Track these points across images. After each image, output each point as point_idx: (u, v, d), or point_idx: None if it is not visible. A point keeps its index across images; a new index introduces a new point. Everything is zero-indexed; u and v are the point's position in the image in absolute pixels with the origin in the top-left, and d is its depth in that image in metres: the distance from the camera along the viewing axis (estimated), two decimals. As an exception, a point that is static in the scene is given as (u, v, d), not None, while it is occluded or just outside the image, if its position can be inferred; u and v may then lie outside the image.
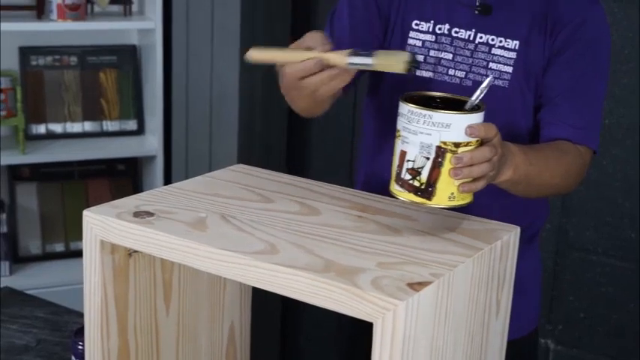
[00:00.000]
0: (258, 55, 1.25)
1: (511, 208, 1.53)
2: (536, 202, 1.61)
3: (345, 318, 1.01)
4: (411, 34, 1.56)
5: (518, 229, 1.22)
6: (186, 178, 1.39)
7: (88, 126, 3.04)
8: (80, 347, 1.46)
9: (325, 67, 1.24)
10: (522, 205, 1.58)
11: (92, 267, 1.20)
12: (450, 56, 1.53)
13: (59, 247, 3.04)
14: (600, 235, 2.39)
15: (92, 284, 1.21)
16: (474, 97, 1.18)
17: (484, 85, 1.18)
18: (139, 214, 1.18)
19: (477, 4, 1.52)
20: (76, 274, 1.23)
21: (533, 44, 1.50)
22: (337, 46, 1.54)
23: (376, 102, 1.65)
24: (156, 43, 2.87)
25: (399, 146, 1.18)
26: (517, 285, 1.62)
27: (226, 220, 1.19)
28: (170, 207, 1.23)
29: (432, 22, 1.54)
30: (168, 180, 2.97)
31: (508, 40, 1.50)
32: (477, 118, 1.16)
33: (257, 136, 2.88)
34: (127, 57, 3.08)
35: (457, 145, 1.14)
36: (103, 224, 1.17)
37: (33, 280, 2.85)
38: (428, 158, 1.15)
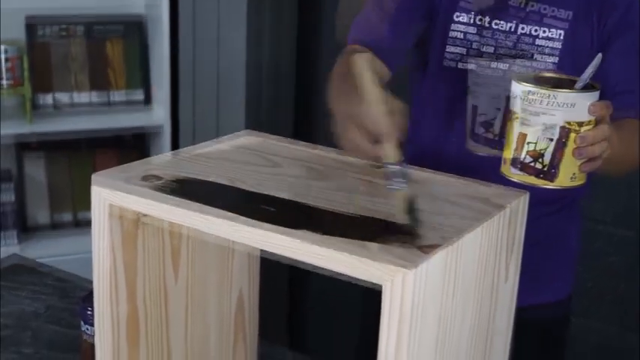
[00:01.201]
0: (363, 67, 1.14)
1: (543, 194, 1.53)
2: None
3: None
4: (453, 26, 1.54)
5: (527, 194, 1.21)
6: (194, 148, 1.39)
7: (94, 96, 3.04)
8: (89, 312, 1.46)
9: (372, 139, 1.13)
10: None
11: (101, 232, 1.20)
12: (491, 49, 1.51)
13: (67, 217, 3.05)
14: (608, 205, 2.39)
15: (101, 249, 1.21)
16: (585, 76, 1.17)
17: (594, 62, 1.17)
18: (148, 178, 1.18)
19: None
20: (84, 244, 1.23)
21: (579, 33, 1.47)
22: (377, 24, 1.56)
23: (422, 86, 1.65)
24: (162, 13, 2.87)
25: (516, 128, 1.16)
26: (557, 247, 1.63)
27: (234, 183, 1.18)
28: (178, 171, 1.22)
29: (472, 13, 1.52)
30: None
31: (552, 30, 1.48)
32: (596, 96, 1.15)
33: (264, 106, 2.87)
34: (134, 27, 3.07)
35: (580, 124, 1.13)
36: (111, 188, 1.17)
37: (41, 249, 2.87)
38: (551, 139, 1.13)
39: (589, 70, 1.16)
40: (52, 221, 3.03)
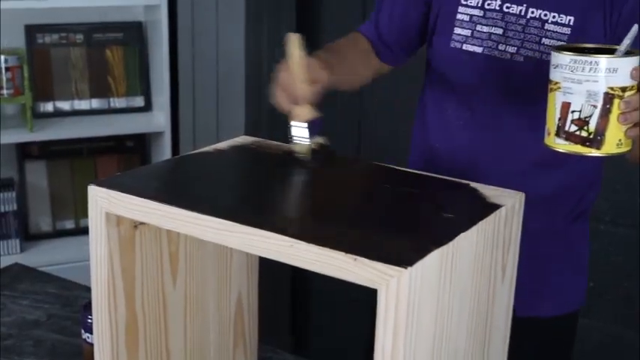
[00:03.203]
0: (295, 45, 1.31)
1: (561, 185, 1.54)
2: (588, 176, 1.61)
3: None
4: (460, 9, 1.56)
5: (522, 195, 1.21)
6: (193, 152, 1.39)
7: (95, 103, 3.05)
8: (90, 321, 1.46)
9: (295, 102, 1.31)
10: (573, 181, 1.57)
11: (98, 240, 1.21)
12: (500, 31, 1.51)
13: (69, 224, 3.06)
14: (610, 203, 2.39)
15: (98, 257, 1.21)
16: (623, 46, 1.17)
17: (631, 32, 1.18)
18: (144, 186, 1.18)
19: None
20: (87, 251, 1.23)
21: (590, 20, 1.47)
22: (381, 25, 1.66)
23: (428, 79, 1.68)
24: (161, 19, 2.87)
25: (559, 98, 1.17)
26: (563, 263, 1.63)
27: (230, 189, 1.19)
28: (175, 177, 1.23)
29: None
30: (176, 156, 2.97)
31: (562, 15, 1.48)
32: (637, 61, 1.16)
33: (264, 110, 2.88)
34: (133, 33, 3.08)
35: (624, 89, 1.14)
36: (108, 196, 1.17)
37: (44, 257, 2.88)
38: (595, 106, 1.14)
39: (626, 41, 1.17)
40: (54, 228, 3.04)
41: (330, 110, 2.91)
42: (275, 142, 1.41)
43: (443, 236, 1.03)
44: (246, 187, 1.21)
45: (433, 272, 1.00)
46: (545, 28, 1.48)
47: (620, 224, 2.38)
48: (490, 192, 1.21)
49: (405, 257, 0.97)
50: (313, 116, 1.30)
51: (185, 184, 1.24)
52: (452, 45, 1.56)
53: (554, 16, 1.48)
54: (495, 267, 1.17)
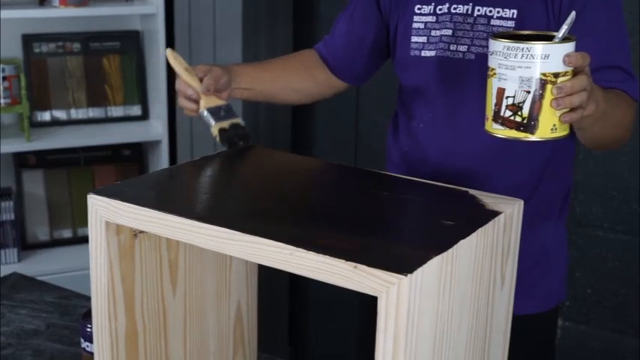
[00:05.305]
0: (171, 57, 1.53)
1: (515, 182, 1.54)
2: (548, 174, 1.61)
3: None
4: (415, 18, 1.60)
5: (521, 202, 1.22)
6: (191, 161, 1.40)
7: (92, 112, 3.05)
8: (89, 330, 1.46)
9: (193, 98, 1.51)
10: (528, 179, 1.58)
11: (98, 248, 1.21)
12: (450, 32, 1.55)
13: (67, 234, 3.05)
14: (606, 210, 2.39)
15: (98, 266, 1.22)
16: (560, 33, 1.19)
17: (569, 19, 1.19)
18: (143, 195, 1.18)
19: None
20: (84, 260, 1.24)
21: (532, 11, 1.50)
22: (334, 42, 1.75)
23: (399, 91, 1.72)
24: (158, 28, 2.87)
25: (494, 84, 1.19)
26: (534, 259, 1.63)
27: (230, 198, 1.19)
28: (173, 187, 1.23)
29: (432, 4, 1.59)
30: (173, 164, 2.97)
31: (505, 9, 1.52)
32: (572, 47, 1.18)
33: (262, 118, 2.88)
34: (130, 42, 3.08)
35: (556, 75, 1.16)
36: (107, 205, 1.18)
37: (41, 266, 2.86)
38: (528, 92, 1.16)
39: (564, 27, 1.19)
40: (52, 238, 3.04)
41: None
42: (273, 150, 1.42)
43: (443, 243, 1.04)
44: (244, 195, 1.21)
45: (433, 279, 1.00)
46: (491, 23, 1.52)
47: (618, 231, 2.39)
48: (489, 199, 1.22)
49: (405, 264, 0.97)
50: (215, 104, 1.49)
51: (184, 193, 1.24)
52: (412, 54, 1.61)
53: (498, 12, 1.52)
54: (495, 273, 1.17)
